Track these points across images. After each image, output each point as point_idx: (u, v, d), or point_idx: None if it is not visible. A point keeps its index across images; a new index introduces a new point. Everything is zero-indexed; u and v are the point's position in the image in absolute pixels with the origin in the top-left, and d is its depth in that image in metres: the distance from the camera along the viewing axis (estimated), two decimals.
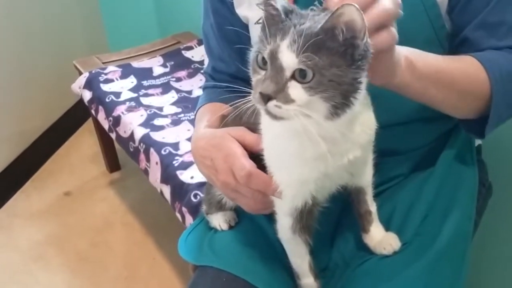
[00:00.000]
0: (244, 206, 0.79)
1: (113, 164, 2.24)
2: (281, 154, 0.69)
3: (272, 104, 0.57)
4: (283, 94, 0.56)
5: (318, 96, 0.56)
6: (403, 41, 0.76)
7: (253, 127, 0.74)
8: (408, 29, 0.76)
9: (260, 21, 0.64)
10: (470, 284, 0.79)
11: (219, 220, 0.89)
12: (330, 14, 0.54)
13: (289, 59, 0.56)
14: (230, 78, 0.98)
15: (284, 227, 0.75)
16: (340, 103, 0.57)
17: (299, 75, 0.56)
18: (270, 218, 0.80)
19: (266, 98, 0.57)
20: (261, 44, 0.59)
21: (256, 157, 0.73)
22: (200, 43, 2.10)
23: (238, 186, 0.73)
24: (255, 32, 0.87)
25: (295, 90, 0.56)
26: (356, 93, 0.58)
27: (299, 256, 0.79)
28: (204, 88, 1.04)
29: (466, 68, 0.75)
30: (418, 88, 0.71)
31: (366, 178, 0.77)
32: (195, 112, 0.97)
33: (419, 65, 0.69)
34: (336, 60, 0.55)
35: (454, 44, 0.82)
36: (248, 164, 0.71)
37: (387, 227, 0.81)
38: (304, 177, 0.68)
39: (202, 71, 1.93)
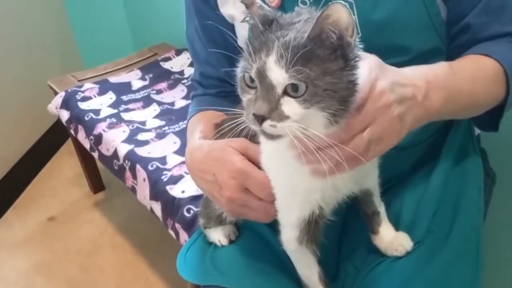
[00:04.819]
0: (252, 218, 0.75)
1: (96, 184, 2.19)
2: (284, 167, 0.66)
3: (267, 124, 0.55)
4: (276, 112, 0.54)
5: (314, 107, 0.54)
6: (398, 28, 0.75)
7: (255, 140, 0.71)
8: (403, 15, 0.76)
9: (247, 19, 0.61)
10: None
11: (218, 235, 0.85)
12: (315, 20, 0.52)
13: (278, 75, 0.54)
14: (219, 82, 0.95)
15: (290, 239, 0.72)
16: (337, 109, 0.55)
17: (291, 90, 0.54)
18: (274, 228, 0.77)
19: (260, 119, 0.55)
20: (246, 62, 0.56)
21: None
22: (178, 53, 2.06)
23: (249, 201, 0.71)
24: (241, 31, 0.85)
25: (289, 105, 0.54)
26: (352, 96, 0.56)
27: (307, 267, 0.76)
28: (193, 96, 1.01)
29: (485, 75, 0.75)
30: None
31: (372, 180, 0.74)
32: (186, 122, 0.93)
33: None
34: (328, 67, 0.54)
35: (453, 31, 0.80)
36: (263, 177, 0.69)
37: (397, 227, 0.79)
38: (310, 187, 0.65)
39: (183, 82, 1.90)
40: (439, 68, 0.71)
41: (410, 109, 0.63)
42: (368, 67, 0.59)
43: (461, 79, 0.72)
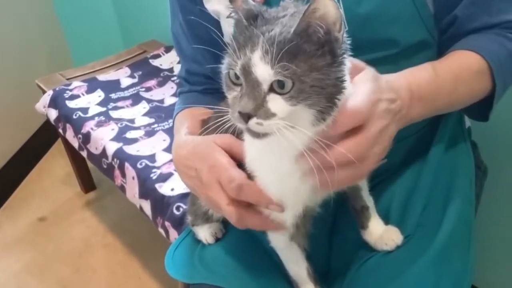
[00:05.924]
0: (231, 221, 0.71)
1: (87, 184, 2.17)
2: (271, 166, 0.63)
3: (253, 122, 0.53)
4: (263, 109, 0.53)
5: (301, 104, 0.52)
6: (385, 21, 0.74)
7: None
8: (390, 8, 0.74)
9: (232, 14, 0.59)
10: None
11: (205, 234, 0.84)
12: (302, 14, 0.51)
13: (264, 72, 0.52)
14: (206, 79, 0.93)
15: (282, 236, 0.70)
16: (325, 106, 0.53)
17: (278, 86, 0.52)
18: None
19: (246, 116, 0.53)
20: (231, 58, 0.54)
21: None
22: (167, 50, 2.04)
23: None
24: (227, 27, 0.83)
25: (275, 102, 0.53)
26: (340, 94, 0.54)
27: (295, 263, 0.75)
28: (180, 93, 0.99)
29: (465, 71, 0.74)
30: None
31: None
32: (172, 119, 0.92)
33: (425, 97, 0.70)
34: (315, 63, 0.52)
35: (442, 24, 0.79)
36: (238, 175, 0.65)
37: (387, 221, 0.77)
38: (300, 184, 0.63)
39: (172, 79, 1.88)
40: (423, 74, 0.71)
41: (395, 122, 0.63)
42: (370, 89, 0.59)
43: (443, 83, 0.72)
